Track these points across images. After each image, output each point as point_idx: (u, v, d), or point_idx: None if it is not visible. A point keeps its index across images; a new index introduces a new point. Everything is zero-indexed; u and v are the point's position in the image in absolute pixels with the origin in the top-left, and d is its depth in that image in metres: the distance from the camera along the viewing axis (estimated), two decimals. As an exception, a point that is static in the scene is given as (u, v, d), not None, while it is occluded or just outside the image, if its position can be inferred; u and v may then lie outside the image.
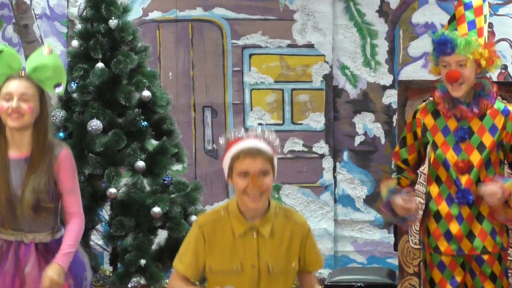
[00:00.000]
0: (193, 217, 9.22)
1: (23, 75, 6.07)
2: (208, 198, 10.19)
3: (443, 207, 6.16)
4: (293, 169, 11.12)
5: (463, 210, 6.13)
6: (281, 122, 11.16)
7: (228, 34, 11.12)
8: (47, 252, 6.14)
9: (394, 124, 10.62)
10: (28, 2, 11.05)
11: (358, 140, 11.12)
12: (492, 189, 6.01)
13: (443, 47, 6.07)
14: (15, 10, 11.06)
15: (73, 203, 6.25)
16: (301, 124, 11.17)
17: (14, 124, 6.00)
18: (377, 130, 11.07)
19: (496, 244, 6.17)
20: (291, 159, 11.13)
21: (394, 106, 10.41)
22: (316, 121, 11.11)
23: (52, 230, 6.18)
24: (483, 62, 6.10)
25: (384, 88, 11.03)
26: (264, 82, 11.16)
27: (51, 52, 6.15)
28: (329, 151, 11.11)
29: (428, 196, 6.29)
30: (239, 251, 5.80)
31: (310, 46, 11.07)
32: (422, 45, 10.95)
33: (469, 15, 6.20)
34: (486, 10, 6.28)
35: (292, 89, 11.15)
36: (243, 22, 11.07)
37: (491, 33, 10.83)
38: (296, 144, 11.16)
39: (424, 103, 6.38)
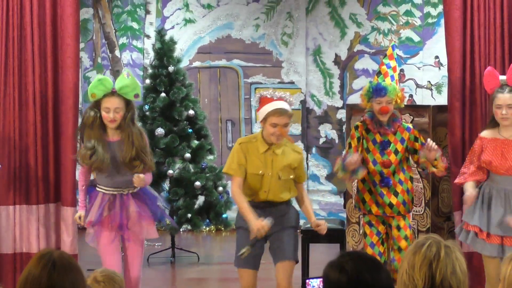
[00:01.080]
0: (220, 188, 9.24)
1: (114, 91, 6.10)
2: (229, 177, 10.20)
3: (372, 187, 6.23)
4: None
5: (384, 190, 6.20)
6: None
7: (241, 75, 11.09)
8: (138, 196, 6.18)
9: (343, 131, 10.58)
10: (119, 56, 11.06)
11: (321, 140, 11.06)
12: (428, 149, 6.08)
13: (380, 91, 6.07)
14: (111, 60, 11.02)
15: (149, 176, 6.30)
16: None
17: (112, 126, 6.06)
18: (333, 134, 11.03)
19: (406, 209, 6.23)
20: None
21: (344, 120, 10.39)
22: (296, 129, 11.03)
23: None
24: (398, 101, 6.19)
25: (337, 108, 10.99)
26: (264, 105, 11.17)
27: (129, 76, 6.20)
28: (304, 147, 11.12)
29: (362, 180, 6.26)
30: (262, 162, 5.84)
31: (292, 83, 11.00)
32: (361, 82, 10.89)
33: (390, 72, 6.26)
34: (398, 68, 6.38)
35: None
36: (251, 68, 11.04)
37: (403, 75, 10.84)
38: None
39: (360, 122, 6.33)
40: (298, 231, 6.14)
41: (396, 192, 6.21)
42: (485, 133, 6.23)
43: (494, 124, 6.21)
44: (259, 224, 5.67)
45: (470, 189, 6.15)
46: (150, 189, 6.35)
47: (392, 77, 6.24)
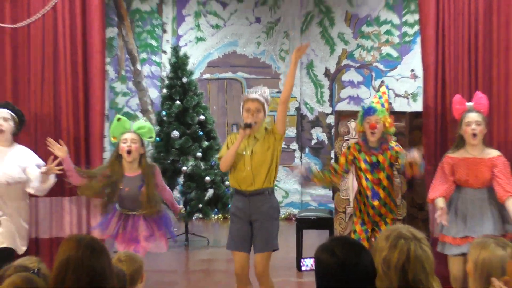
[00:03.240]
0: (227, 183, 9.23)
1: (132, 130, 6.04)
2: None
3: (365, 200, 6.06)
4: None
5: (374, 202, 6.05)
6: (273, 132, 11.18)
7: (245, 86, 11.11)
8: (146, 220, 6.11)
9: (332, 134, 10.60)
10: (140, 69, 11.06)
11: (313, 142, 11.11)
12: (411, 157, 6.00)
13: (369, 110, 5.99)
14: (133, 73, 11.05)
15: (169, 192, 6.27)
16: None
17: (129, 159, 5.97)
18: (324, 136, 11.06)
19: (393, 216, 6.15)
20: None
21: (332, 124, 10.39)
22: (292, 131, 11.09)
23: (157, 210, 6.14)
24: (387, 124, 6.07)
25: (327, 114, 11.02)
26: (264, 111, 11.18)
27: (147, 121, 6.18)
28: (298, 147, 11.11)
29: (356, 197, 6.21)
30: (243, 144, 5.75)
31: (288, 92, 11.09)
32: (347, 92, 10.95)
33: (381, 101, 6.10)
34: (388, 102, 6.30)
35: (279, 115, 11.18)
36: (253, 80, 11.06)
37: (383, 84, 10.82)
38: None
39: (353, 143, 6.23)
40: (279, 218, 5.95)
41: (385, 203, 6.11)
42: (454, 154, 6.11)
43: (461, 145, 6.10)
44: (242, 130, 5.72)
45: (441, 204, 6.01)
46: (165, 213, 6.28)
47: (383, 105, 6.15)
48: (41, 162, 6.36)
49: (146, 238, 6.10)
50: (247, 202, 5.75)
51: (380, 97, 6.25)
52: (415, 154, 5.90)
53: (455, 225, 6.03)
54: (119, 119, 6.12)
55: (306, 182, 6.36)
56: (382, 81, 10.85)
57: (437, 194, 6.06)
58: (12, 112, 6.28)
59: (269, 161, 5.80)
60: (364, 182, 6.11)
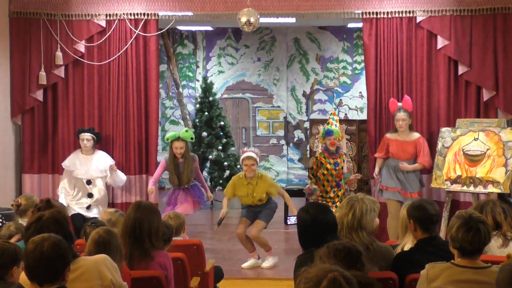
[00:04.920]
0: (238, 166, 9.23)
1: (179, 137, 6.11)
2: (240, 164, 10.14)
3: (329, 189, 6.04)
4: (273, 149, 11.10)
5: (339, 191, 6.00)
6: (268, 132, 11.15)
7: (250, 102, 11.10)
8: (188, 189, 6.18)
9: (307, 134, 10.61)
10: (181, 91, 11.04)
11: (295, 139, 11.09)
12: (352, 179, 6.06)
13: (329, 133, 5.90)
14: (177, 94, 10.90)
15: (201, 175, 6.30)
16: (276, 134, 11.14)
17: (179, 156, 6.11)
18: (302, 136, 11.05)
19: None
20: (272, 146, 11.13)
21: (307, 127, 10.38)
22: (281, 132, 11.07)
23: (191, 183, 6.21)
24: (339, 138, 5.95)
25: (304, 121, 10.98)
26: (263, 119, 11.15)
27: (187, 131, 6.20)
28: (285, 143, 11.10)
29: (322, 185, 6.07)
30: (246, 189, 5.80)
31: (278, 107, 11.04)
32: (317, 106, 10.91)
33: (334, 122, 5.96)
34: (338, 120, 6.14)
35: (273, 122, 11.16)
36: (256, 99, 11.05)
37: (341, 102, 10.80)
38: (274, 140, 11.12)
39: (318, 153, 6.01)
40: (274, 211, 5.96)
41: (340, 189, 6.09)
42: (389, 135, 6.28)
43: (395, 130, 6.26)
44: (222, 212, 5.82)
45: (377, 168, 6.24)
46: (197, 185, 6.24)
47: (336, 125, 6.01)
48: (112, 161, 6.50)
49: (182, 202, 6.12)
50: (254, 209, 5.89)
51: (333, 119, 6.09)
52: (352, 178, 6.07)
53: (391, 180, 6.14)
54: (174, 134, 6.20)
55: (310, 195, 6.12)
56: (341, 100, 10.86)
57: (378, 156, 6.26)
58: (92, 134, 6.48)
59: (266, 194, 5.85)
60: (330, 177, 5.99)
